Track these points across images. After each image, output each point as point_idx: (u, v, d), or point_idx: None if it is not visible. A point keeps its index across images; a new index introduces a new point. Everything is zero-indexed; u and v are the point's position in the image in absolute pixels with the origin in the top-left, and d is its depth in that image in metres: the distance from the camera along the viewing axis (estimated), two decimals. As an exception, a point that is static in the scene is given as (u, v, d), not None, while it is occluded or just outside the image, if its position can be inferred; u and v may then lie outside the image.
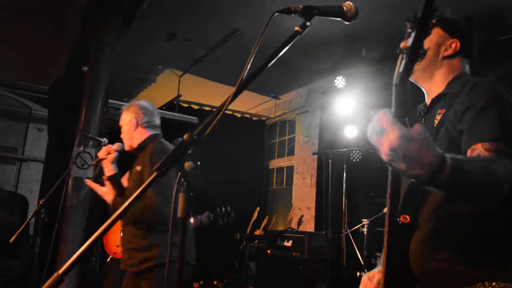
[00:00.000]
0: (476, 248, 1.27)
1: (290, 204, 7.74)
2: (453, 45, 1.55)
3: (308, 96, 7.86)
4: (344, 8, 1.27)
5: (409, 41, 0.97)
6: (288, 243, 4.75)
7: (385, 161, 0.95)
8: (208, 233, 6.79)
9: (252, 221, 6.85)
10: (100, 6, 4.77)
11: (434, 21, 0.98)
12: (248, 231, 6.82)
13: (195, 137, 1.05)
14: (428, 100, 1.62)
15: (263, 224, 6.94)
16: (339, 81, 6.06)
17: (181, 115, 7.45)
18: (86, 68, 5.03)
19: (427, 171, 0.94)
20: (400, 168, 0.94)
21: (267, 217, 7.21)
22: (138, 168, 2.65)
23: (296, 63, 6.57)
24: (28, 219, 2.93)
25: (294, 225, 6.86)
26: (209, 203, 4.48)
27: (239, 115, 8.76)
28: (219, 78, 7.23)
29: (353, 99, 5.99)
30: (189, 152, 1.05)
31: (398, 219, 1.34)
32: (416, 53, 0.94)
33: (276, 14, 1.21)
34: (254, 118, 8.97)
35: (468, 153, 1.26)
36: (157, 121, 2.87)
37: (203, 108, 8.18)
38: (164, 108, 7.89)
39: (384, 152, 0.93)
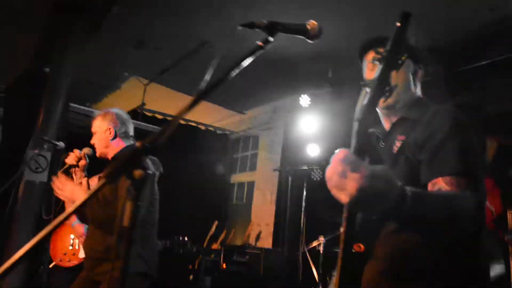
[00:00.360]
0: (432, 279, 1.25)
1: (249, 219, 7.73)
2: (418, 74, 1.58)
3: (273, 113, 7.92)
4: (308, 26, 1.28)
5: (375, 73, 0.97)
6: (244, 259, 4.72)
7: (347, 203, 0.92)
8: (168, 245, 6.69)
9: (209, 235, 6.77)
10: (69, 6, 4.67)
11: (404, 57, 0.98)
12: (205, 245, 6.74)
13: (147, 145, 1.04)
14: (386, 124, 1.57)
15: (221, 238, 6.88)
16: (304, 99, 6.15)
17: (145, 124, 7.36)
18: (48, 69, 4.90)
19: (391, 205, 0.94)
20: (366, 207, 0.94)
21: (225, 231, 7.16)
22: None
23: (263, 80, 6.62)
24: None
25: (252, 240, 6.85)
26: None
27: (203, 128, 8.73)
28: (185, 88, 7.18)
29: (317, 118, 6.09)
30: (140, 160, 1.04)
31: (351, 248, 1.27)
32: (382, 89, 0.93)
33: (240, 28, 1.22)
34: (218, 132, 8.95)
35: (429, 187, 1.25)
36: (131, 131, 2.84)
37: (167, 118, 8.10)
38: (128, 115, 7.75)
39: (349, 194, 0.89)
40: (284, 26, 1.24)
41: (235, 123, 8.65)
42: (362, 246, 1.31)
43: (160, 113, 8.05)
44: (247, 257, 4.66)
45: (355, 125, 0.93)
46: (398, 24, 0.97)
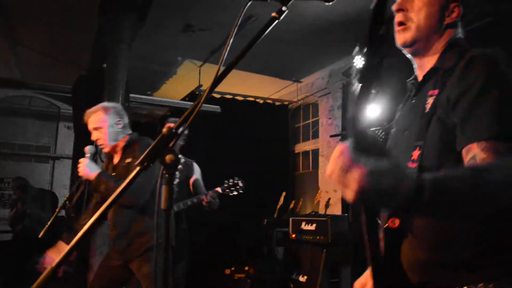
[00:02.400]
0: (480, 253, 1.08)
1: (317, 187, 7.73)
2: (456, 10, 1.30)
3: (330, 77, 7.77)
4: None
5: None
6: (311, 227, 4.75)
7: (352, 201, 0.83)
8: (236, 219, 6.91)
9: (278, 206, 6.87)
10: (113, 3, 4.84)
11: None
12: (275, 216, 6.86)
13: (174, 130, 1.08)
14: (419, 75, 1.37)
15: (290, 208, 6.97)
16: (358, 60, 5.96)
17: (203, 104, 7.50)
18: (105, 65, 5.14)
19: (404, 202, 0.83)
20: (373, 205, 0.88)
21: (293, 201, 7.23)
22: (128, 160, 2.74)
23: (315, 45, 6.50)
24: (54, 215, 3.06)
25: (321, 208, 6.86)
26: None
27: (261, 101, 8.77)
28: (238, 65, 7.21)
29: (379, 105, 5.88)
30: (170, 145, 1.08)
31: (385, 224, 1.16)
32: (371, 77, 0.83)
33: (250, 2, 1.20)
34: (277, 103, 8.95)
35: (464, 155, 1.08)
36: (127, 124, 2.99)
37: (225, 96, 8.22)
38: (186, 99, 7.98)
39: (352, 193, 0.81)
40: (298, -7, 1.21)
41: (293, 92, 8.59)
42: (397, 221, 1.15)
43: (217, 92, 8.18)
44: (314, 225, 4.68)
45: (349, 123, 0.84)
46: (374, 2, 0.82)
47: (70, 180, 6.91)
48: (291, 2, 1.19)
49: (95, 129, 2.88)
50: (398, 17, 1.32)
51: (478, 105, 1.07)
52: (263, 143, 7.99)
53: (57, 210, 3.09)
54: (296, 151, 8.95)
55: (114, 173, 2.86)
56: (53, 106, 9.25)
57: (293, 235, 5.18)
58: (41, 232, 3.07)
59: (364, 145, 0.82)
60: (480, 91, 1.07)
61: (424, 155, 1.15)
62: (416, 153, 1.16)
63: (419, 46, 1.31)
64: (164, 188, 1.07)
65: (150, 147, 1.06)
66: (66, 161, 9.24)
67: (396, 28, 1.33)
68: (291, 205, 7.11)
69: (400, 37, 1.32)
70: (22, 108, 9.23)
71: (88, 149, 2.87)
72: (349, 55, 6.50)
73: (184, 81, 7.95)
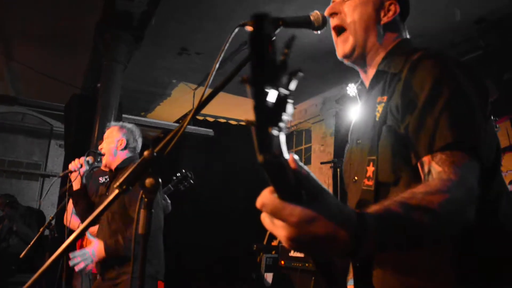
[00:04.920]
0: (460, 276, 0.97)
1: (307, 214, 7.68)
2: (392, 8, 1.21)
3: (323, 104, 7.83)
4: (312, 18, 1.23)
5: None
6: (300, 254, 4.69)
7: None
8: (226, 245, 6.82)
9: (268, 232, 6.80)
10: (110, 25, 4.88)
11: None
12: (265, 242, 6.78)
13: (155, 154, 1.06)
14: (365, 80, 1.26)
15: (280, 234, 6.90)
16: (351, 88, 6.02)
17: (196, 127, 7.52)
18: (99, 85, 5.15)
19: (347, 248, 0.66)
20: (313, 256, 0.74)
21: (284, 227, 7.16)
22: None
23: (308, 73, 6.56)
24: (37, 234, 2.99)
25: (311, 235, 6.79)
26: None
27: (255, 126, 8.78)
28: (232, 89, 7.27)
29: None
30: (150, 169, 1.06)
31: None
32: (268, 120, 0.56)
33: (237, 28, 1.20)
34: (270, 129, 8.96)
35: (420, 169, 0.97)
36: (139, 149, 2.96)
37: (218, 120, 8.24)
38: (180, 121, 7.99)
39: (285, 243, 0.66)
40: (286, 21, 1.18)
41: (286, 118, 8.63)
42: None
43: (210, 116, 8.20)
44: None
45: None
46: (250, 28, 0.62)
47: (58, 199, 6.83)
48: (277, 30, 1.18)
49: (104, 139, 2.90)
50: (333, 22, 1.25)
51: (428, 113, 0.95)
52: (255, 168, 7.94)
53: (40, 229, 3.03)
54: (288, 177, 8.92)
55: (107, 193, 2.83)
56: (46, 124, 9.22)
57: (282, 262, 5.11)
58: (28, 251, 3.00)
59: (287, 186, 0.64)
60: (428, 97, 0.96)
61: (379, 171, 1.05)
62: (370, 169, 1.08)
63: (359, 52, 1.21)
64: (142, 212, 1.04)
65: (130, 170, 1.04)
66: (55, 179, 9.16)
67: (334, 36, 1.26)
68: (281, 231, 7.03)
69: (339, 49, 1.24)
70: (14, 125, 9.18)
71: (91, 159, 2.87)
72: (342, 83, 6.55)
73: (178, 104, 7.98)
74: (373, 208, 0.72)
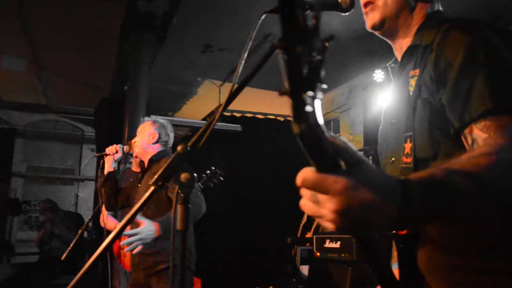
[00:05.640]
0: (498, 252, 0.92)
1: (340, 204, 7.61)
2: None
3: (350, 93, 7.71)
4: None
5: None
6: (336, 245, 4.65)
7: (334, 229, 0.65)
8: (259, 239, 6.83)
9: (302, 224, 6.77)
10: (133, 27, 4.93)
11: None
12: (299, 234, 6.76)
13: (189, 148, 1.05)
14: (397, 54, 1.23)
15: (314, 226, 6.85)
16: (378, 74, 5.91)
17: (224, 124, 7.54)
18: (126, 87, 5.22)
19: (393, 214, 0.63)
20: (361, 231, 0.67)
21: (317, 219, 7.11)
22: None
23: (333, 61, 6.48)
24: (76, 236, 3.07)
25: (345, 225, 6.72)
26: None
27: (282, 119, 8.74)
28: (257, 84, 7.25)
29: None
30: (185, 163, 1.05)
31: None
32: (302, 86, 0.54)
33: (264, 15, 1.18)
34: (298, 120, 8.90)
35: (463, 140, 0.93)
36: (171, 143, 3.05)
37: (245, 115, 8.23)
38: (207, 119, 8.02)
39: (331, 220, 0.62)
40: (312, 4, 1.17)
41: (313, 109, 8.56)
42: None
43: (237, 111, 8.20)
44: (339, 242, 4.58)
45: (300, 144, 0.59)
46: None
47: (93, 202, 7.00)
48: (306, 13, 1.15)
49: (137, 134, 2.99)
50: None
51: (464, 80, 0.91)
52: (285, 161, 7.94)
53: (79, 231, 3.10)
54: (319, 168, 8.86)
55: (139, 184, 2.89)
56: (77, 129, 9.44)
57: (318, 253, 5.07)
58: (70, 253, 3.09)
59: (326, 158, 0.61)
60: (464, 62, 0.92)
61: (417, 146, 1.02)
62: (408, 146, 1.04)
63: (390, 25, 1.17)
64: (179, 208, 1.04)
65: (165, 165, 1.03)
66: (90, 183, 9.37)
67: (364, 9, 1.22)
68: (315, 223, 7.00)
69: (368, 20, 1.20)
70: (48, 132, 9.44)
71: (127, 148, 3.01)
72: (369, 69, 6.44)
73: (205, 101, 8.01)
74: (416, 175, 0.69)
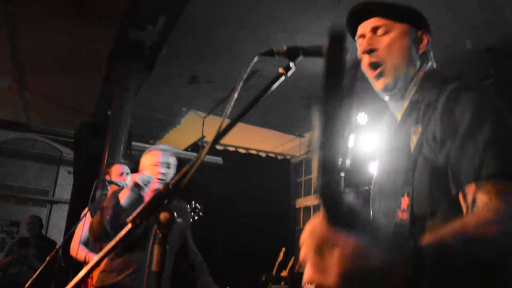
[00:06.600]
0: None
1: (317, 244, 7.55)
2: (425, 37, 1.21)
3: (332, 133, 7.79)
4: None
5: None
6: (312, 286, 4.58)
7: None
8: (233, 273, 6.69)
9: (278, 262, 6.68)
10: (122, 53, 4.94)
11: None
12: (274, 272, 6.65)
13: (171, 187, 1.03)
14: (396, 112, 1.24)
15: (289, 265, 6.76)
16: (362, 117, 6.00)
17: (208, 156, 7.48)
18: (109, 112, 5.18)
19: (403, 281, 0.61)
20: None
21: (293, 257, 7.03)
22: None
23: (318, 101, 6.56)
24: (43, 264, 2.94)
25: (321, 266, 6.65)
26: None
27: (263, 155, 8.76)
28: (241, 118, 7.28)
29: (376, 135, 5.89)
30: (165, 203, 1.02)
31: None
32: (337, 105, 0.57)
33: (256, 57, 1.18)
34: (279, 157, 8.93)
35: (461, 198, 0.94)
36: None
37: (227, 148, 8.22)
38: (189, 149, 7.99)
39: (335, 278, 0.60)
40: (304, 50, 1.17)
41: (296, 147, 8.60)
42: None
43: (219, 144, 8.19)
44: (315, 285, 4.51)
45: (317, 167, 0.59)
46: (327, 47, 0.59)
47: (65, 226, 6.79)
48: (299, 59, 1.17)
49: (168, 166, 2.76)
50: (370, 59, 1.19)
51: (471, 141, 0.93)
52: (264, 197, 7.91)
53: (47, 258, 2.97)
54: (298, 206, 8.83)
55: None
56: (56, 150, 9.27)
57: (292, 294, 4.99)
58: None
59: (341, 214, 0.61)
60: (471, 125, 0.95)
61: (415, 202, 1.02)
62: (405, 201, 1.05)
63: (402, 85, 1.18)
64: (156, 248, 1.00)
65: (144, 204, 1.01)
66: (64, 205, 9.14)
67: (369, 72, 1.21)
68: (291, 262, 6.91)
69: (379, 83, 1.19)
70: (25, 151, 9.24)
71: (146, 177, 2.58)
72: (352, 112, 6.54)
73: (188, 132, 7.99)
74: (426, 240, 0.67)
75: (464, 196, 0.93)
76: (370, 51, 1.19)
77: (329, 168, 0.57)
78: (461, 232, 0.73)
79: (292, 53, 1.18)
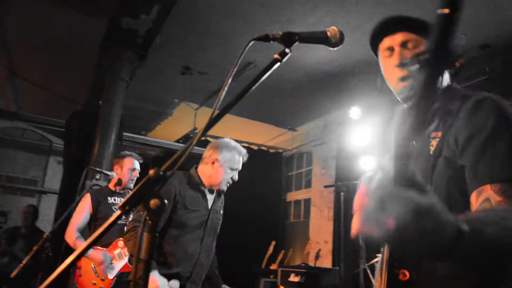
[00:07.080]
0: None
1: (307, 237, 7.57)
2: None
3: (325, 128, 7.79)
4: (328, 33, 1.19)
5: (415, 83, 0.74)
6: (301, 279, 4.59)
7: (386, 240, 0.69)
8: (222, 266, 6.69)
9: (267, 255, 6.69)
10: (114, 42, 4.87)
11: (459, 62, 0.81)
12: (263, 265, 6.66)
13: (161, 173, 1.00)
14: None
15: (279, 258, 6.77)
16: (354, 112, 5.99)
17: (198, 147, 7.45)
18: (100, 102, 5.12)
19: (444, 247, 0.70)
20: (409, 250, 0.71)
21: (283, 251, 7.04)
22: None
23: (312, 95, 6.55)
24: (30, 253, 2.90)
25: (311, 259, 6.68)
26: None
27: (255, 148, 8.73)
28: (234, 110, 7.22)
29: (369, 130, 5.89)
30: (156, 189, 1.00)
31: (397, 273, 1.07)
32: (428, 104, 0.66)
33: (252, 42, 1.16)
34: (271, 151, 8.92)
35: (473, 197, 1.05)
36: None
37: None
38: (180, 141, 7.94)
39: (387, 232, 0.67)
40: (301, 36, 1.15)
41: (288, 140, 8.60)
42: (407, 273, 1.05)
43: (212, 136, 8.15)
44: (304, 277, 4.52)
45: (395, 150, 0.70)
46: (445, 11, 0.65)
47: (54, 216, 6.72)
48: (294, 44, 1.14)
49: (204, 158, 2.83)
50: (402, 72, 1.28)
51: (491, 146, 1.06)
52: (255, 190, 7.89)
53: (34, 247, 2.93)
54: (288, 200, 8.84)
55: None
56: (45, 140, 9.16)
57: (281, 287, 4.99)
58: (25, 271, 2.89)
59: (406, 178, 0.69)
60: (492, 132, 1.07)
61: None
62: None
63: None
64: (145, 236, 0.98)
65: (134, 190, 0.98)
66: (53, 196, 9.05)
67: (399, 84, 1.30)
68: (280, 255, 6.92)
69: (406, 94, 1.29)
70: (14, 140, 9.12)
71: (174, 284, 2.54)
72: (345, 106, 6.53)
73: (179, 123, 7.94)
74: (464, 217, 0.77)
75: (479, 193, 1.03)
76: (403, 65, 1.28)
77: (405, 148, 0.69)
78: (483, 217, 0.86)
79: (287, 39, 1.16)
